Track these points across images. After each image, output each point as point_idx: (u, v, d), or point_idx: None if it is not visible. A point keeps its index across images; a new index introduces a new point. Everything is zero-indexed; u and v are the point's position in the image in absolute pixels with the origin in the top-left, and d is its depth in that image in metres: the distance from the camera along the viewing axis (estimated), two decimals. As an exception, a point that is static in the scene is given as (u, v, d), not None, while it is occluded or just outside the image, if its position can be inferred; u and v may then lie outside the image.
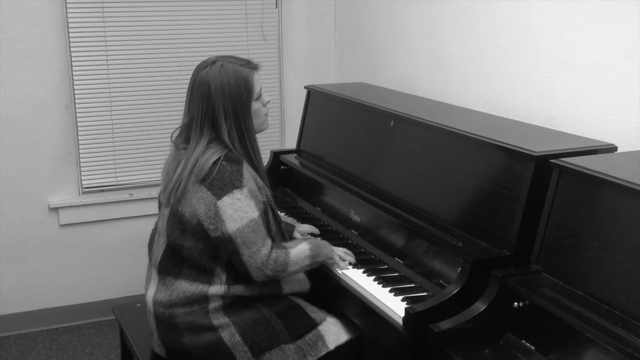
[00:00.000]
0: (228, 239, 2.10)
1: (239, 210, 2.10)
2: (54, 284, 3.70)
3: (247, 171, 2.17)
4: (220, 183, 2.10)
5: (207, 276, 2.17)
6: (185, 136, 2.24)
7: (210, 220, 2.10)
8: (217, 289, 2.16)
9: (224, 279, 2.17)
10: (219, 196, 2.09)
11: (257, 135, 2.29)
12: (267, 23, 3.90)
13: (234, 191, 2.10)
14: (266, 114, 2.31)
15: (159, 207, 2.32)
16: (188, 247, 2.16)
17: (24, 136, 3.50)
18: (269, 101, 2.31)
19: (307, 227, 2.65)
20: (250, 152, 2.23)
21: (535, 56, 2.57)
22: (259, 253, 2.12)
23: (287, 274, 2.22)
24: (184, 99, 2.28)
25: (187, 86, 2.27)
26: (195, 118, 2.19)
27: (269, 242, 2.17)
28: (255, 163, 2.24)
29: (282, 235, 2.35)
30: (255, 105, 2.24)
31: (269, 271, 2.15)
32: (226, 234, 2.10)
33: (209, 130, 2.18)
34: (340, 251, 2.37)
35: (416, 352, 1.94)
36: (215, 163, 2.12)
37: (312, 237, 2.53)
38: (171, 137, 2.28)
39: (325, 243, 2.35)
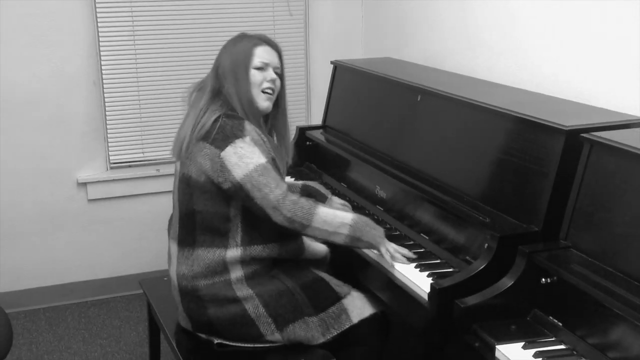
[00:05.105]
0: (238, 187, 2.11)
1: (243, 157, 2.11)
2: (83, 258, 3.74)
3: (250, 125, 2.18)
4: (222, 136, 2.13)
5: (222, 239, 2.17)
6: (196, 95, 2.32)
7: (218, 173, 2.12)
8: (234, 252, 2.16)
9: (238, 240, 2.17)
10: (222, 148, 2.12)
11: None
12: (293, -2, 3.87)
13: (236, 141, 2.12)
14: (264, 91, 2.25)
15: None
16: (199, 211, 2.18)
17: (52, 112, 3.53)
18: (273, 80, 2.26)
19: (339, 202, 2.59)
20: (248, 114, 2.22)
21: (565, 29, 2.51)
22: (272, 193, 2.09)
23: (314, 229, 2.12)
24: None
25: (213, 62, 2.33)
26: (207, 77, 2.30)
27: (284, 185, 2.13)
28: (259, 124, 2.27)
29: None
30: (254, 73, 2.24)
31: (287, 212, 2.09)
32: (235, 183, 2.11)
33: (212, 81, 2.26)
34: (392, 247, 2.19)
35: (442, 327, 1.93)
36: (216, 120, 2.16)
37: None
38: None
39: (378, 228, 2.20)
